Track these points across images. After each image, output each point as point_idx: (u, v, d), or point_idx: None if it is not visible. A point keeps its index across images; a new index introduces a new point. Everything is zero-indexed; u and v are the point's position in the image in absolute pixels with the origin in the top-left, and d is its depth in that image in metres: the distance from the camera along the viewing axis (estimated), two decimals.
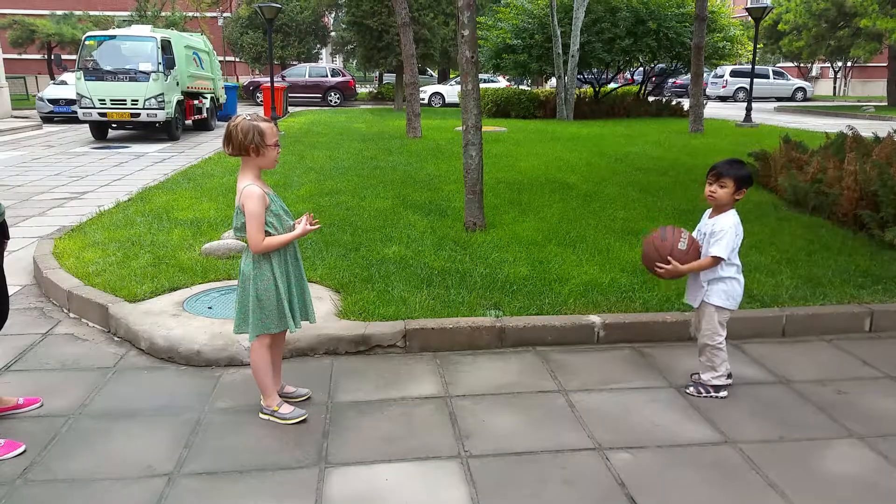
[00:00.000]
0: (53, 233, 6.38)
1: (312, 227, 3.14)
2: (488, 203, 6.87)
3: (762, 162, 8.58)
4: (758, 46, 19.90)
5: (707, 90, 31.59)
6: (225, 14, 39.15)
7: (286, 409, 3.25)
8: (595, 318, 4.22)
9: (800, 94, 34.46)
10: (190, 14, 37.03)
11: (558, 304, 4.45)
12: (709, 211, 3.48)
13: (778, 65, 40.99)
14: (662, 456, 2.98)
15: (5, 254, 3.18)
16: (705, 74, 22.18)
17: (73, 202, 8.55)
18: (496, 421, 3.26)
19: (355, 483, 2.77)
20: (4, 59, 22.17)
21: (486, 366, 3.88)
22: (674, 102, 22.84)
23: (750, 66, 22.64)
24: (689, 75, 19.81)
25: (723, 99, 33.91)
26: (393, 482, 2.77)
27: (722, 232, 3.30)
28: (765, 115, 23.79)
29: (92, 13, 35.59)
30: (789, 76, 36.30)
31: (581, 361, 3.94)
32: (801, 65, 39.81)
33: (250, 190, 2.98)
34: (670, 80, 31.25)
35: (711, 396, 3.48)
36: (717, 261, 3.31)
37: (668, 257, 3.33)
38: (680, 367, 3.88)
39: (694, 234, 3.49)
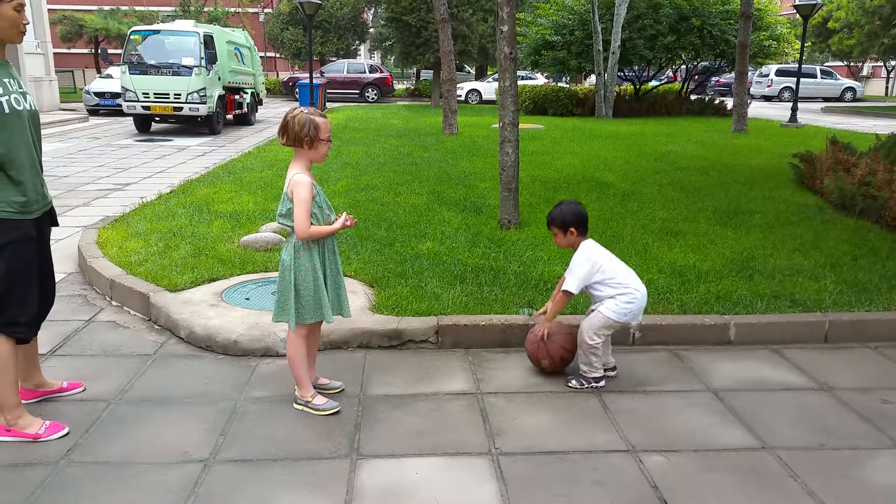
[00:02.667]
0: (97, 222, 6.54)
1: (350, 223, 3.18)
2: (523, 201, 6.83)
3: (807, 164, 8.38)
4: (805, 45, 19.41)
5: (751, 89, 30.94)
6: (266, 10, 39.67)
7: (320, 400, 3.29)
8: None
9: (849, 95, 33.49)
10: (232, 10, 37.63)
11: None
12: None
13: (826, 64, 39.96)
14: (697, 460, 2.93)
15: (50, 242, 3.27)
16: (750, 73, 21.69)
17: (116, 193, 8.75)
18: (527, 419, 3.25)
19: (386, 475, 2.78)
20: (54, 53, 22.78)
21: (518, 364, 3.86)
22: (716, 101, 22.43)
23: (797, 65, 22.10)
24: (732, 74, 19.43)
25: (767, 98, 33.18)
26: (423, 476, 2.78)
27: (571, 267, 3.51)
28: (811, 115, 23.21)
29: (137, 8, 36.41)
30: (838, 76, 35.33)
31: (615, 362, 3.89)
32: (851, 64, 38.70)
33: (300, 178, 3.06)
34: (713, 79, 30.71)
35: (592, 387, 3.56)
36: (567, 295, 3.52)
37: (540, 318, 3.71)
38: (718, 371, 3.81)
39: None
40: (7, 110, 2.84)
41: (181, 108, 15.17)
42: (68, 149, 13.04)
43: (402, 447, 2.99)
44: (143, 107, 15.24)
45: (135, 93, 15.14)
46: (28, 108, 2.98)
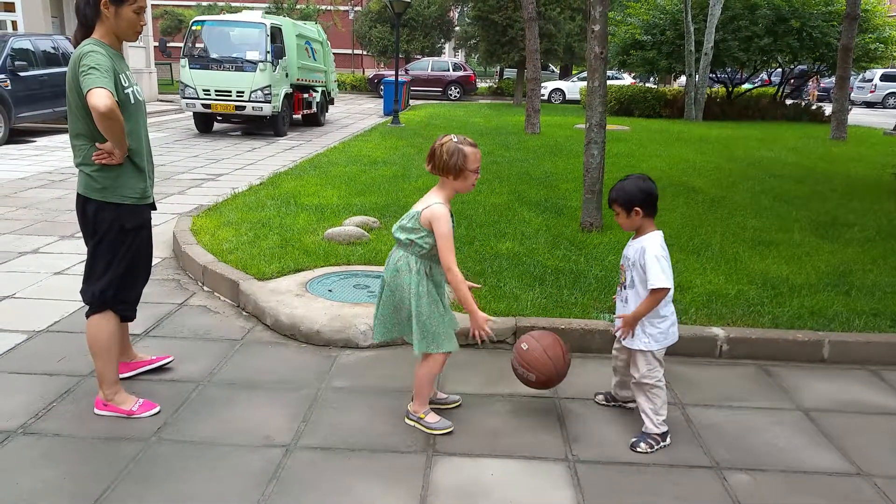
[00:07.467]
0: (192, 211, 6.83)
1: (477, 334, 3.02)
2: (606, 204, 6.70)
3: None
4: None
5: (852, 94, 29.36)
6: (356, 8, 40.47)
7: (432, 418, 3.16)
8: (718, 331, 4.02)
9: None
10: (323, 7, 38.57)
11: (678, 313, 4.22)
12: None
13: None
14: (785, 481, 2.80)
15: None
16: (851, 78, 20.60)
17: (209, 183, 9.12)
18: (606, 428, 3.18)
19: (461, 473, 2.79)
20: (154, 46, 23.93)
21: (597, 370, 3.79)
22: (814, 107, 21.39)
23: None
24: (832, 78, 18.49)
25: (870, 105, 31.42)
26: (498, 477, 2.77)
27: (651, 260, 2.93)
28: None
29: (233, 4, 37.83)
30: None
31: (700, 375, 3.78)
32: None
33: (440, 210, 2.90)
34: (810, 83, 29.29)
35: (662, 446, 2.99)
36: (663, 292, 2.92)
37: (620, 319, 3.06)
38: (810, 389, 3.63)
39: (622, 260, 3.19)
40: (133, 101, 2.97)
41: (244, 107, 13.73)
42: (165, 139, 13.68)
43: (477, 447, 2.99)
44: (203, 104, 13.80)
45: (195, 89, 13.74)
46: (141, 99, 3.14)
